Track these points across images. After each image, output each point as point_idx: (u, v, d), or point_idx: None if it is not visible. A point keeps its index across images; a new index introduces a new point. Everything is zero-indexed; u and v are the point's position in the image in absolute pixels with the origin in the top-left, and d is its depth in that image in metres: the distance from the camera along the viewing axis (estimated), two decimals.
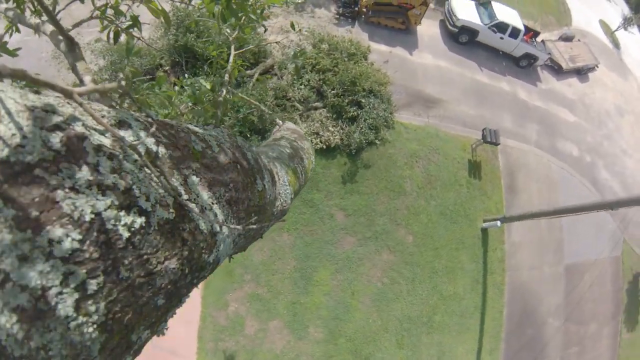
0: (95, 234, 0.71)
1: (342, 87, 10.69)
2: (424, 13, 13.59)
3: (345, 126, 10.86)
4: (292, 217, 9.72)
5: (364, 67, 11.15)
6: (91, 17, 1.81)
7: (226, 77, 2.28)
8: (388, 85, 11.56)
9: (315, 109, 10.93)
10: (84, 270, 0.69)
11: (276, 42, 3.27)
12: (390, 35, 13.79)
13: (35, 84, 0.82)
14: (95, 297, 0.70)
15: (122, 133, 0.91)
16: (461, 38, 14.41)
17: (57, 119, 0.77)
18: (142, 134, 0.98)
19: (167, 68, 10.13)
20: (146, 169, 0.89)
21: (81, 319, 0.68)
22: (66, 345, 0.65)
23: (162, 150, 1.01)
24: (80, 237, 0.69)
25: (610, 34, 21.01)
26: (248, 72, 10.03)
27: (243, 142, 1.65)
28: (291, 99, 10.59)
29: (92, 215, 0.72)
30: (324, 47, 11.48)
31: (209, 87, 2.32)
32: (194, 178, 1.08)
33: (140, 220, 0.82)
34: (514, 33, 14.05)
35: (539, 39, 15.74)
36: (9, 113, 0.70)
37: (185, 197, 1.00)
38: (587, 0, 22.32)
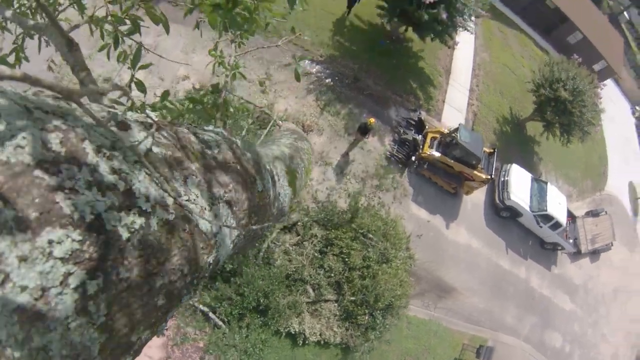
0: (95, 234, 0.72)
1: (363, 296, 9.51)
2: (480, 188, 12.43)
3: (350, 328, 9.75)
4: None
5: (394, 280, 9.71)
6: (90, 20, 1.81)
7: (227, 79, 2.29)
8: (408, 296, 10.51)
9: (326, 300, 9.64)
10: (84, 271, 0.69)
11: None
12: (436, 196, 12.69)
13: (35, 85, 0.82)
14: (95, 298, 0.71)
15: (122, 134, 0.91)
16: (503, 213, 13.81)
17: (57, 120, 0.77)
18: (142, 135, 0.98)
19: None
20: (146, 170, 0.89)
21: (81, 319, 0.68)
22: (66, 345, 0.65)
23: (162, 151, 1.01)
24: (80, 237, 0.69)
25: (634, 199, 20.64)
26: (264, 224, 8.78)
27: (243, 143, 1.65)
28: (305, 280, 9.25)
29: (92, 216, 0.72)
30: (364, 221, 9.84)
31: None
32: (194, 179, 1.08)
33: (140, 221, 0.82)
34: (555, 226, 13.62)
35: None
36: (9, 114, 0.70)
37: (184, 197, 1.00)
38: (629, 159, 21.97)
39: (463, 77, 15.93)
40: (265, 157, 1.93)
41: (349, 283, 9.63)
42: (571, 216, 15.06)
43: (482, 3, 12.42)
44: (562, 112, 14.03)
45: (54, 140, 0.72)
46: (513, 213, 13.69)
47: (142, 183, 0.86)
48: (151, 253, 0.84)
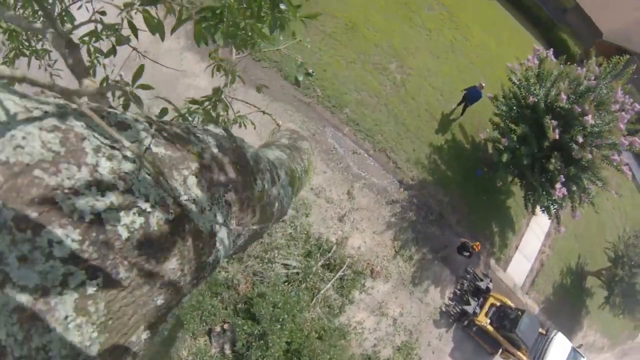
0: (94, 234, 0.72)
1: None
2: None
3: None
4: None
5: None
6: (90, 21, 1.81)
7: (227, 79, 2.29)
8: None
9: None
10: (84, 271, 0.69)
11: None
12: (474, 353, 12.19)
13: (35, 86, 0.82)
14: (95, 298, 0.71)
15: (121, 134, 0.91)
16: None
17: (56, 120, 0.77)
18: (142, 134, 0.98)
19: None
20: (145, 170, 0.89)
21: (81, 319, 0.68)
22: (65, 345, 0.65)
23: (161, 150, 1.01)
24: (79, 237, 0.69)
25: None
26: None
27: (243, 143, 1.65)
28: None
29: (92, 216, 0.72)
30: None
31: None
32: (194, 178, 1.08)
33: (139, 221, 0.82)
34: None
35: None
36: (8, 114, 0.70)
37: (184, 197, 1.00)
38: None
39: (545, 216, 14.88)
40: (265, 157, 1.93)
41: None
42: None
43: (604, 182, 10.11)
44: (629, 296, 13.28)
45: (54, 140, 0.72)
46: None
47: (142, 183, 0.86)
48: (151, 253, 0.84)
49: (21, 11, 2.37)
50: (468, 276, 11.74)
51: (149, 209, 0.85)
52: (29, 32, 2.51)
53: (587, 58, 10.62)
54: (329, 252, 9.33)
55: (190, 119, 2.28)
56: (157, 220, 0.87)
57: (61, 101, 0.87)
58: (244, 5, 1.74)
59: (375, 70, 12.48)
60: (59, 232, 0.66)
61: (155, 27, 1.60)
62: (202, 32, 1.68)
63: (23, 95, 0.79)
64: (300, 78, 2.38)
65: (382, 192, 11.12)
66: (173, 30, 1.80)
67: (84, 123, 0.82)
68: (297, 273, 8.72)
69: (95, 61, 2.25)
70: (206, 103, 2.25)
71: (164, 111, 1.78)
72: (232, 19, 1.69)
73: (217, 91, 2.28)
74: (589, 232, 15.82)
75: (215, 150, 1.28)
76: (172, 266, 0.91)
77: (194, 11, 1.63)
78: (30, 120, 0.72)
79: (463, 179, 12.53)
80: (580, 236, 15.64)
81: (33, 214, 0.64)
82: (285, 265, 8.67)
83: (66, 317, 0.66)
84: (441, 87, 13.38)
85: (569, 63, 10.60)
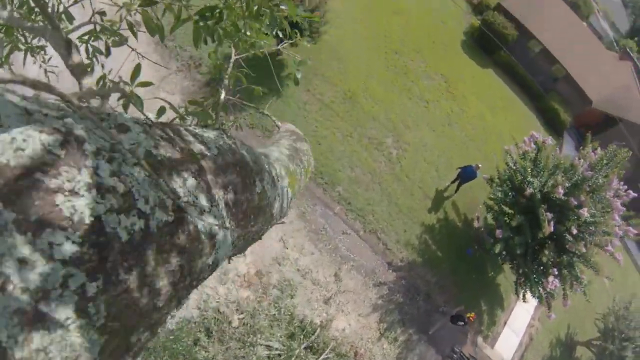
0: (94, 236, 0.72)
1: None
2: None
3: None
4: None
5: None
6: (90, 22, 1.81)
7: (225, 81, 2.29)
8: None
9: None
10: (84, 273, 0.69)
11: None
12: None
13: (34, 88, 0.82)
14: (95, 300, 0.71)
15: (121, 136, 0.92)
16: None
17: (56, 123, 0.77)
18: (141, 136, 0.98)
19: None
20: (145, 172, 0.89)
21: (81, 321, 0.68)
22: (66, 347, 0.66)
23: (161, 152, 1.01)
24: (80, 240, 0.69)
25: None
26: None
27: (242, 144, 1.65)
28: None
29: (92, 218, 0.72)
30: None
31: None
32: (193, 180, 1.08)
33: (139, 223, 0.83)
34: None
35: None
36: (8, 117, 0.70)
37: (184, 199, 1.00)
38: None
39: None
40: (265, 158, 1.94)
41: None
42: None
43: (596, 269, 10.04)
44: None
45: (54, 142, 0.73)
46: None
47: (142, 185, 0.86)
48: (150, 255, 0.85)
49: (17, 10, 2.36)
50: (455, 356, 11.46)
51: (148, 211, 0.85)
52: (25, 31, 2.50)
53: (584, 144, 10.79)
54: (312, 335, 9.13)
55: (189, 120, 2.28)
56: (156, 222, 0.87)
57: (61, 103, 0.87)
58: (243, 5, 1.73)
59: (371, 145, 12.12)
60: (60, 234, 0.67)
61: (155, 29, 1.59)
62: (200, 32, 1.68)
63: (23, 98, 0.79)
64: (299, 76, 2.37)
65: (370, 274, 10.74)
66: (172, 31, 1.80)
67: (84, 125, 0.82)
68: (280, 355, 8.47)
69: (95, 60, 2.24)
70: (206, 104, 2.25)
71: (161, 110, 1.78)
72: (231, 18, 1.69)
73: (216, 92, 2.28)
74: (579, 300, 15.26)
75: (215, 152, 1.28)
76: (171, 268, 0.91)
77: (193, 12, 1.63)
78: (30, 122, 0.73)
79: (454, 258, 12.15)
80: (569, 310, 14.96)
81: (33, 216, 0.64)
82: (268, 347, 8.43)
83: (67, 319, 0.66)
84: (436, 162, 13.05)
85: (567, 155, 10.89)
